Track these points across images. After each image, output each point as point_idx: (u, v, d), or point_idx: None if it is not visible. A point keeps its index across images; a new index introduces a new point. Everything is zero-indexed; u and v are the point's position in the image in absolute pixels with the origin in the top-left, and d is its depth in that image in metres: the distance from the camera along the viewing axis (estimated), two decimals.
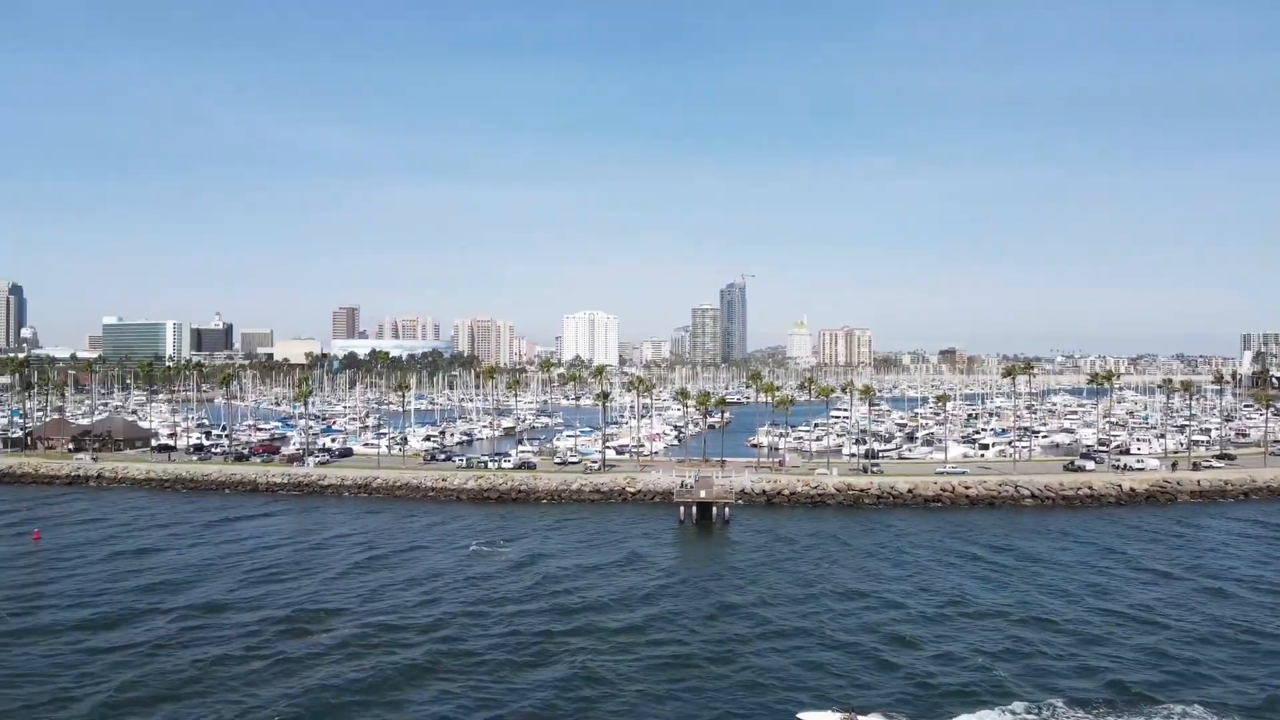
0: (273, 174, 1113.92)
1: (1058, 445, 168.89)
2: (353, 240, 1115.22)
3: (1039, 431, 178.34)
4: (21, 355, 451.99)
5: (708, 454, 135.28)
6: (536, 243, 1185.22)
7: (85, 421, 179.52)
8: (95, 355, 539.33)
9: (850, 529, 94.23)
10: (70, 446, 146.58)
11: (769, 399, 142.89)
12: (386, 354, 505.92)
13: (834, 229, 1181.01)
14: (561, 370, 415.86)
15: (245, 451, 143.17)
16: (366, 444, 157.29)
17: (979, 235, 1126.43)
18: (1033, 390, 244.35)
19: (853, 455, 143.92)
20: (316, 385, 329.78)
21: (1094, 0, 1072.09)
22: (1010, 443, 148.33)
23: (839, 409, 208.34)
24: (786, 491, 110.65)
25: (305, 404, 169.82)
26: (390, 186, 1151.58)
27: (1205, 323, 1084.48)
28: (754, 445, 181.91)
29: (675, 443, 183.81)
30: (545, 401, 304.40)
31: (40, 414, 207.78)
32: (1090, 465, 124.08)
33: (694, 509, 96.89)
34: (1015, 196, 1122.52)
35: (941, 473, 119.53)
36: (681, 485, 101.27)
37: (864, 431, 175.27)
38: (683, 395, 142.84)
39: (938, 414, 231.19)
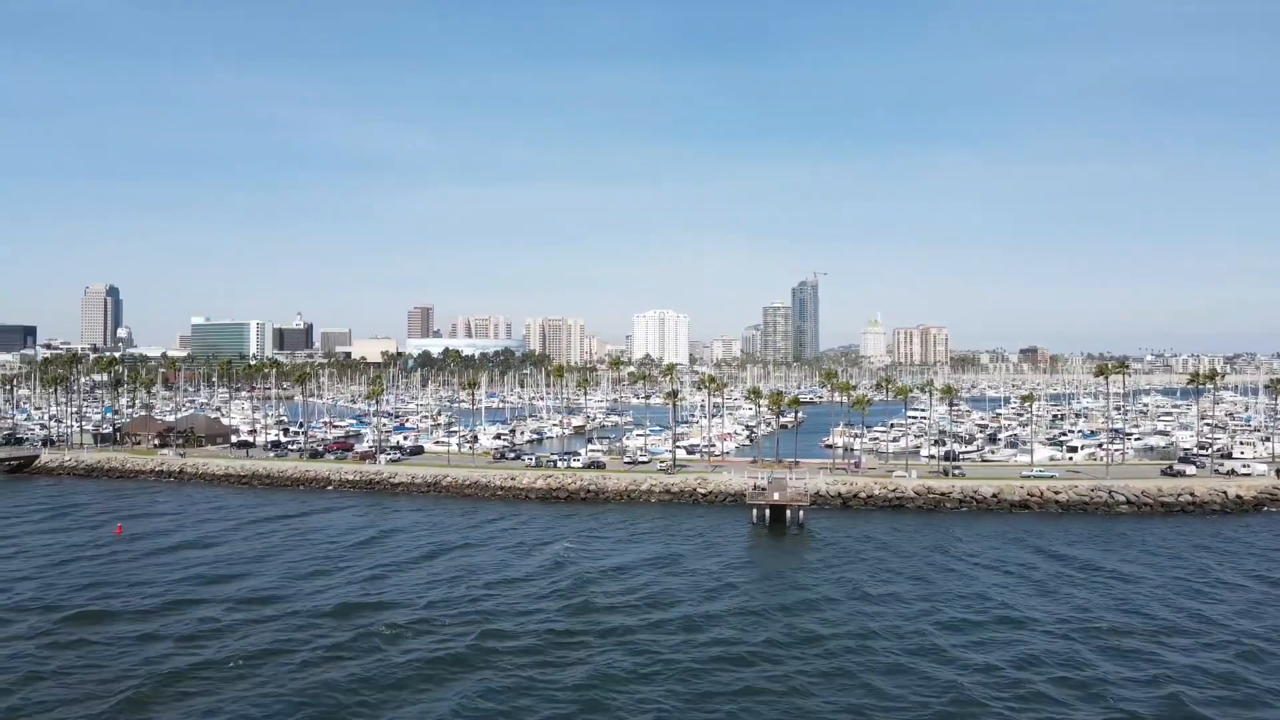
0: (351, 177, 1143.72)
1: (1152, 448, 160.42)
2: (428, 241, 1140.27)
3: (1131, 434, 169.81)
4: (116, 354, 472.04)
5: (780, 455, 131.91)
6: (607, 242, 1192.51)
7: (171, 418, 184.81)
8: (184, 354, 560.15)
9: (929, 534, 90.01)
10: (156, 442, 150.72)
11: (844, 399, 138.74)
12: (459, 352, 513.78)
13: (908, 225, 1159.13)
14: (632, 369, 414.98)
15: (320, 449, 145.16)
16: (438, 442, 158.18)
17: (1059, 232, 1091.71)
18: (1123, 391, 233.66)
19: (931, 457, 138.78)
20: (390, 383, 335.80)
21: None
22: (1101, 445, 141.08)
23: (916, 409, 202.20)
24: (863, 494, 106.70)
25: (377, 402, 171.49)
26: (464, 188, 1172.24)
27: None
28: (828, 446, 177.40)
29: (747, 443, 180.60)
30: (615, 400, 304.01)
31: (131, 410, 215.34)
32: (1190, 470, 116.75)
33: (767, 511, 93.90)
34: (1098, 192, 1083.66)
35: (1028, 476, 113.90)
36: (754, 487, 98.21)
37: (943, 432, 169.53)
38: (755, 394, 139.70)
39: (1021, 414, 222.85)
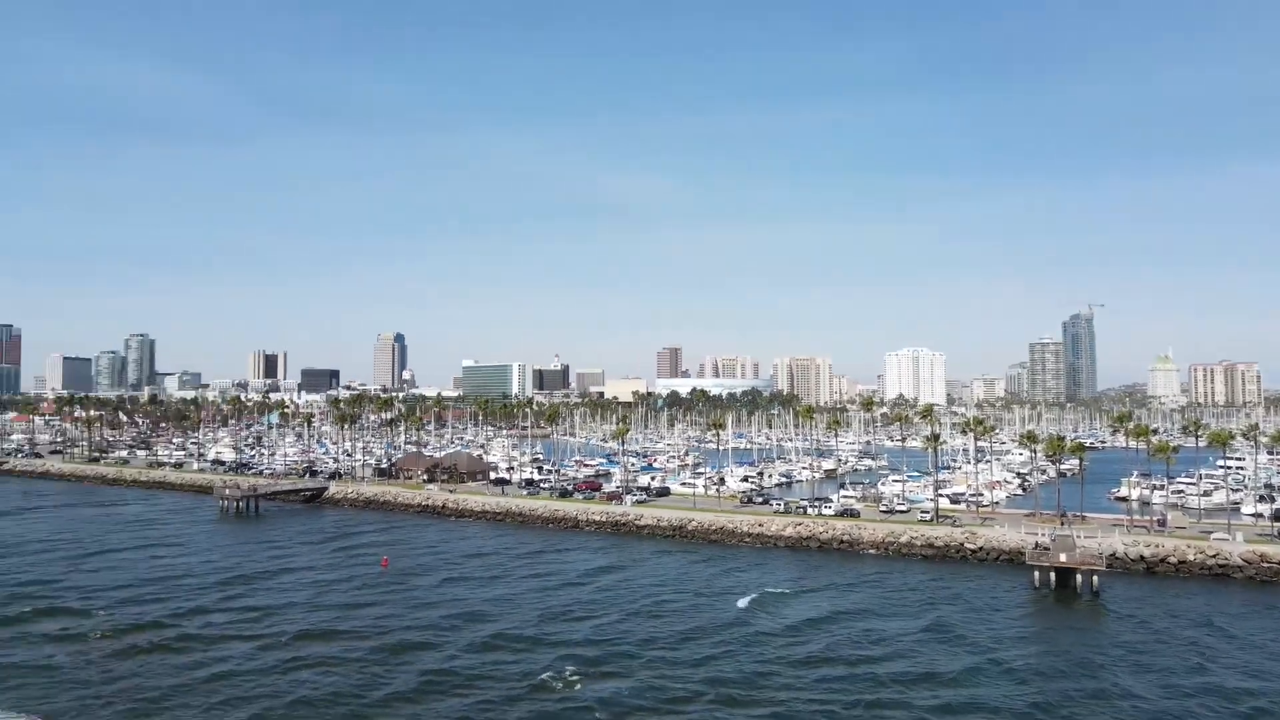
0: (595, 221, 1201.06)
1: None
2: (676, 283, 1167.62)
3: None
4: (399, 394, 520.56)
5: (1063, 507, 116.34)
6: (855, 278, 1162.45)
7: (439, 455, 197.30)
8: (457, 394, 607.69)
9: (1268, 617, 73.62)
10: (424, 477, 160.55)
11: (1140, 444, 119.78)
12: (706, 392, 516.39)
13: (1199, 250, 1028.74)
14: (885, 409, 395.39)
15: (570, 487, 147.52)
16: (684, 483, 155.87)
17: None
18: None
19: (1257, 515, 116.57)
20: (640, 423, 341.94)
21: None
22: None
23: (1231, 458, 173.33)
24: (1172, 559, 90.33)
25: (622, 442, 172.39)
26: (709, 229, 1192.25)
27: None
28: (1118, 499, 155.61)
29: (1019, 492, 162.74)
30: (867, 443, 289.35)
31: (406, 446, 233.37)
32: None
33: (1051, 575, 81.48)
34: None
35: None
36: (1035, 545, 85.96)
37: (1270, 487, 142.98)
38: (1030, 438, 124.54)
39: None
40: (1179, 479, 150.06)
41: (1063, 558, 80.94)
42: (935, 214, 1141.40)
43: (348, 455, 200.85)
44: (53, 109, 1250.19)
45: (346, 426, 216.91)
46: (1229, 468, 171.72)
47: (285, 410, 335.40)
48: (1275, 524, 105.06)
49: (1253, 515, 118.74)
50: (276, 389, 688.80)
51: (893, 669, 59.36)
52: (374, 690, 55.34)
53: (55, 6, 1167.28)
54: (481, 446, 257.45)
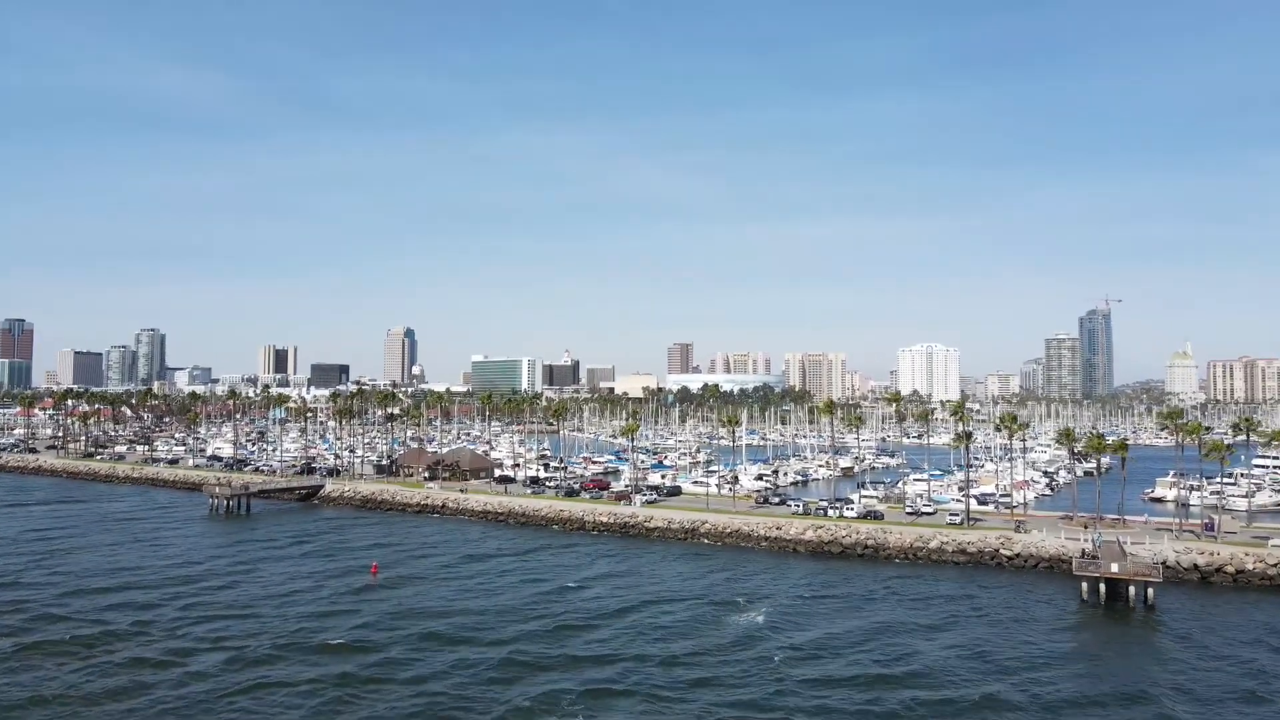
0: (615, 223, 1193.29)
1: None
2: (689, 279, 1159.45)
3: None
4: (407, 389, 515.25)
5: (1100, 510, 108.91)
6: (868, 274, 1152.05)
7: (442, 451, 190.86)
8: (466, 389, 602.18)
9: None
10: (425, 474, 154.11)
11: (1188, 442, 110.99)
12: (717, 387, 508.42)
13: (1218, 244, 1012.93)
14: (909, 405, 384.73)
15: (576, 486, 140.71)
16: (696, 481, 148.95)
17: None
18: None
19: None
20: (650, 418, 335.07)
21: None
22: None
23: (1268, 456, 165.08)
24: (1229, 568, 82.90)
25: (632, 439, 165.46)
26: (722, 224, 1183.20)
27: None
28: (1153, 499, 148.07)
29: (1047, 492, 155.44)
30: (884, 439, 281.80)
31: (412, 442, 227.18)
32: None
33: (1101, 586, 74.22)
34: None
35: None
36: (1083, 553, 78.73)
37: None
38: (1067, 436, 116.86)
39: None
40: (1216, 479, 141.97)
41: (1114, 568, 73.62)
42: (949, 209, 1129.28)
43: (350, 451, 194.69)
44: (65, 105, 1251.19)
45: (347, 422, 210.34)
46: (1265, 467, 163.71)
47: (290, 405, 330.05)
48: None
49: None
50: (286, 384, 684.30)
51: (927, 695, 52.40)
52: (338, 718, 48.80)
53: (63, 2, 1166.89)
54: (488, 443, 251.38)
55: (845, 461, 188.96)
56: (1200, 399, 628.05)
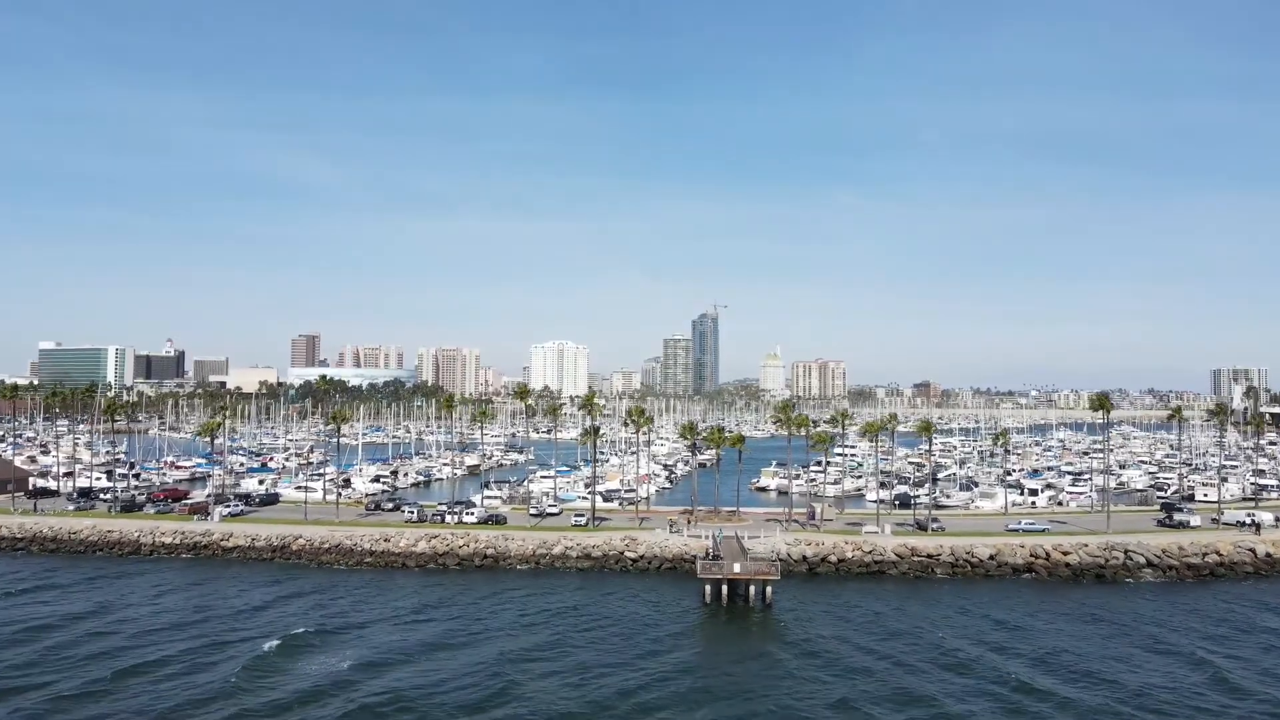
0: (233, 200, 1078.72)
1: (1122, 488, 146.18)
2: (319, 270, 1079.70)
3: (1118, 474, 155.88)
4: None
5: (719, 502, 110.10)
6: (505, 273, 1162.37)
7: None
8: (30, 381, 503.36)
9: (936, 615, 69.12)
10: None
11: (793, 434, 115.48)
12: (344, 383, 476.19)
13: (804, 263, 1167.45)
14: (539, 400, 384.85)
15: (141, 499, 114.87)
16: (299, 486, 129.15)
17: (947, 270, 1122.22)
18: (1019, 426, 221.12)
19: (880, 502, 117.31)
20: (263, 415, 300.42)
21: (1073, 39, 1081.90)
22: (1100, 489, 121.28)
23: (844, 446, 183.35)
24: (832, 557, 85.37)
25: (214, 438, 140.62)
26: (360, 215, 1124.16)
27: (1169, 356, 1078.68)
28: (759, 489, 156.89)
29: (667, 485, 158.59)
30: (514, 435, 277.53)
31: None
32: (1195, 520, 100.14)
33: (723, 587, 71.32)
34: (985, 234, 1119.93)
35: (1015, 529, 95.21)
36: (706, 553, 75.86)
37: (886, 473, 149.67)
38: (690, 430, 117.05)
39: (951, 451, 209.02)
40: (809, 467, 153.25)
41: (736, 568, 70.99)
42: (583, 215, 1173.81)
43: None
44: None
45: None
46: (843, 455, 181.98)
47: None
48: (900, 509, 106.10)
49: (875, 501, 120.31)
50: None
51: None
52: None
53: None
54: (41, 446, 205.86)
55: (472, 459, 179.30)
56: (787, 394, 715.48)
